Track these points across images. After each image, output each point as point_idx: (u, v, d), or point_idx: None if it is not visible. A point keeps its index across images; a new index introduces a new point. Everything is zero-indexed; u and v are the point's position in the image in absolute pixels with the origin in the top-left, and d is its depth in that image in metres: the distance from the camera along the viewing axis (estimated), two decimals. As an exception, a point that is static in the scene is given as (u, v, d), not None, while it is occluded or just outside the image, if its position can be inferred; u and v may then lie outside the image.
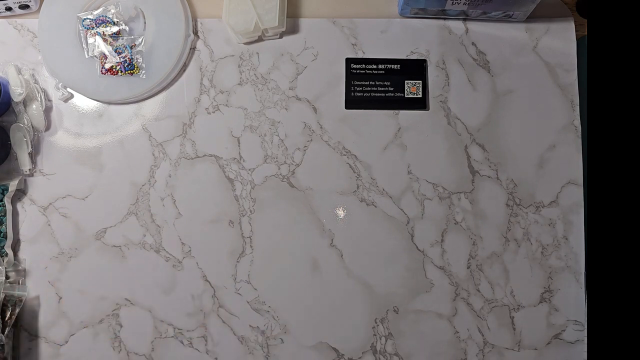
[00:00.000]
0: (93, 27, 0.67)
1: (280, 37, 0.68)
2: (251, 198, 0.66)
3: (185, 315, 0.65)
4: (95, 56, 0.67)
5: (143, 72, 0.67)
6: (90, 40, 0.67)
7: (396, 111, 0.67)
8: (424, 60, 0.68)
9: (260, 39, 0.68)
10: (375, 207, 0.66)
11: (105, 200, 0.67)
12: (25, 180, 0.67)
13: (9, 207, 0.65)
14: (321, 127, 0.67)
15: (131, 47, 0.67)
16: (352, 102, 0.67)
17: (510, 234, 0.65)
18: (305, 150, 0.67)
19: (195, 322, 0.65)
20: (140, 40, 0.67)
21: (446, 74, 0.68)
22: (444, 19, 0.68)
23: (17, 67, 0.67)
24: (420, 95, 0.67)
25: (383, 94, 0.67)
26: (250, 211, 0.66)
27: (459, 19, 0.68)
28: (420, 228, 0.66)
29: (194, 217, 0.66)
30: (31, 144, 0.66)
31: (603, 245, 0.50)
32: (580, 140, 0.66)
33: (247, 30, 0.66)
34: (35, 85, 0.67)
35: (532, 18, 0.67)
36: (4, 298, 0.63)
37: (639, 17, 0.50)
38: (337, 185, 0.66)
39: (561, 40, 0.68)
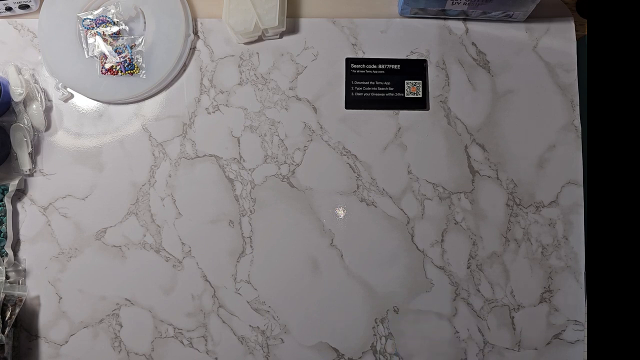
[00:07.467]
0: (93, 27, 0.67)
1: (280, 37, 0.68)
2: (251, 198, 0.66)
3: (185, 315, 0.65)
4: (95, 56, 0.67)
5: (143, 72, 0.67)
6: (90, 40, 0.67)
7: (396, 111, 0.67)
8: (424, 60, 0.68)
9: (260, 39, 0.68)
10: (375, 207, 0.66)
11: (105, 200, 0.67)
12: (25, 180, 0.67)
13: (9, 207, 0.65)
14: (321, 127, 0.67)
15: (131, 47, 0.67)
16: (352, 102, 0.67)
17: (510, 234, 0.65)
18: (305, 150, 0.67)
19: (195, 322, 0.65)
20: (140, 40, 0.67)
21: (446, 74, 0.68)
22: (444, 19, 0.68)
23: (17, 67, 0.67)
24: (420, 95, 0.67)
25: (383, 94, 0.67)
26: (250, 211, 0.66)
27: (459, 19, 0.68)
28: (420, 228, 0.66)
29: (194, 217, 0.66)
30: (31, 144, 0.66)
31: (603, 245, 0.50)
32: (580, 140, 0.66)
33: (247, 30, 0.66)
34: (35, 85, 0.67)
35: (532, 18, 0.67)
36: (4, 298, 0.63)
37: (639, 17, 0.50)
38: (337, 185, 0.66)
39: (561, 40, 0.68)
